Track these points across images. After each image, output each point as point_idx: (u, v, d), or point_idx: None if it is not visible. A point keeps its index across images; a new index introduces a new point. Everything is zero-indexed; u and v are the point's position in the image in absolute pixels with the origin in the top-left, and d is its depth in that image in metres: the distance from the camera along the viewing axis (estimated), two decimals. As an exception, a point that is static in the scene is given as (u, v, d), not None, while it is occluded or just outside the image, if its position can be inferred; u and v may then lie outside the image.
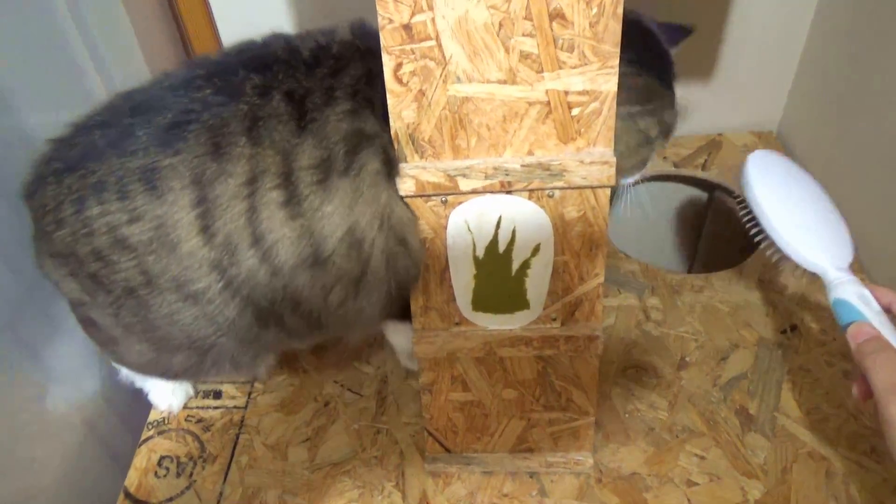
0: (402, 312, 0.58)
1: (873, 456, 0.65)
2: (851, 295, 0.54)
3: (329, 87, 0.51)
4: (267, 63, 0.52)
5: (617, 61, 0.46)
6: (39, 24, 0.69)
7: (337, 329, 0.60)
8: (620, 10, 0.44)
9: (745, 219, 0.62)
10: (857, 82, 0.84)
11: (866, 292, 0.54)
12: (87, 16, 0.74)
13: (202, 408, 0.73)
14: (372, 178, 0.51)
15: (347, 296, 0.54)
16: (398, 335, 0.70)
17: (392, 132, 0.49)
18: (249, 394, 0.75)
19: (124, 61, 0.81)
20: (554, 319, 0.57)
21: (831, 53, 0.91)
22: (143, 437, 0.71)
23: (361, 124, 0.51)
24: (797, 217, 0.59)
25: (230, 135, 0.50)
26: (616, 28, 0.44)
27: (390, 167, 0.51)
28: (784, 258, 0.60)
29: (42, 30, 0.69)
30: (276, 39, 0.55)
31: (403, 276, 0.55)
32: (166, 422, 0.72)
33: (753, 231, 0.61)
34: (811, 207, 0.61)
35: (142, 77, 0.60)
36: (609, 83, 0.46)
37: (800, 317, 0.78)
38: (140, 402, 0.74)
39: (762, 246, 0.61)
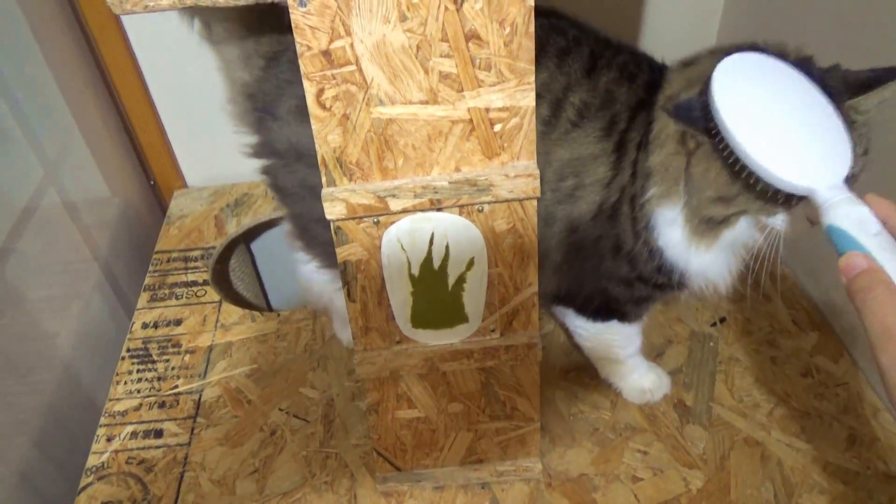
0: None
1: (802, 437, 0.68)
2: (843, 218, 0.45)
3: (610, 59, 0.60)
4: (584, 28, 0.61)
5: (533, 77, 0.47)
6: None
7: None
8: (532, 29, 0.46)
9: (721, 149, 0.51)
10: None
11: (863, 210, 0.45)
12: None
13: (143, 448, 0.71)
14: (598, 135, 0.58)
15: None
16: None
17: (319, 157, 0.49)
18: (192, 429, 0.73)
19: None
20: (493, 331, 0.59)
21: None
22: (81, 485, 0.68)
23: (616, 89, 0.59)
24: (777, 132, 0.49)
25: (545, 55, 0.58)
26: (529, 45, 0.46)
27: (610, 131, 0.58)
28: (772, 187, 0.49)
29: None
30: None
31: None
32: (106, 466, 0.70)
33: (731, 162, 0.51)
34: (797, 116, 0.50)
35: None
36: (526, 99, 0.48)
37: (727, 309, 0.82)
38: (77, 447, 0.71)
39: (749, 179, 0.50)
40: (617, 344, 0.70)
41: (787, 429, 0.69)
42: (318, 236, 0.64)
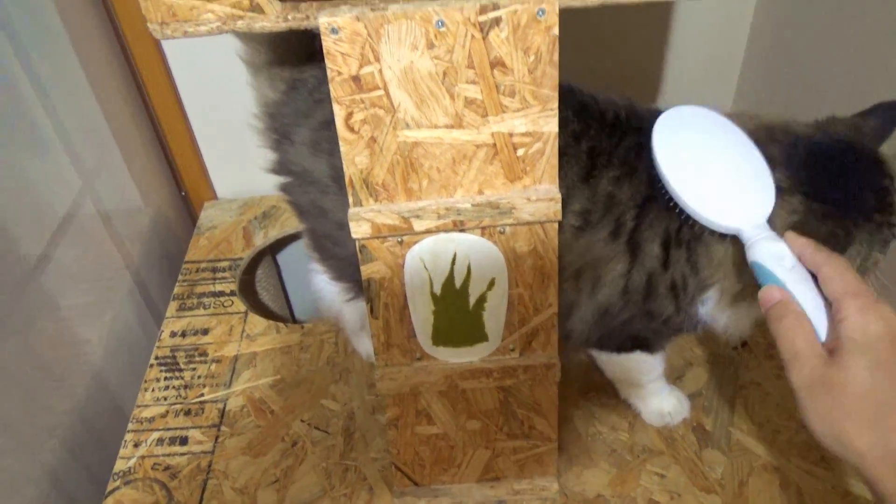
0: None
1: (822, 464, 0.68)
2: (764, 255, 0.50)
3: (611, 152, 0.57)
4: (587, 116, 0.58)
5: (556, 104, 0.48)
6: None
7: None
8: (556, 57, 0.47)
9: (662, 192, 0.55)
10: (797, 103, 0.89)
11: (781, 246, 0.50)
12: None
13: (168, 455, 0.73)
14: (606, 238, 0.58)
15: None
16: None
17: (346, 178, 0.51)
18: (216, 437, 0.75)
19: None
20: (512, 350, 0.59)
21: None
22: (108, 489, 0.70)
23: (618, 191, 0.57)
24: (707, 177, 0.54)
25: None
26: (553, 73, 0.47)
27: (618, 234, 0.57)
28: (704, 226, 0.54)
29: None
30: (592, 97, 0.60)
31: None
32: (132, 471, 0.72)
33: (670, 204, 0.55)
34: (726, 162, 0.55)
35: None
36: (549, 124, 0.49)
37: (749, 332, 0.81)
38: (105, 451, 0.73)
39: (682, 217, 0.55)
40: (640, 370, 0.70)
41: (806, 456, 0.69)
42: (329, 251, 0.66)
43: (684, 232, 0.57)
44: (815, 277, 0.48)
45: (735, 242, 0.55)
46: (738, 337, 0.64)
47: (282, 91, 0.63)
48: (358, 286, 0.63)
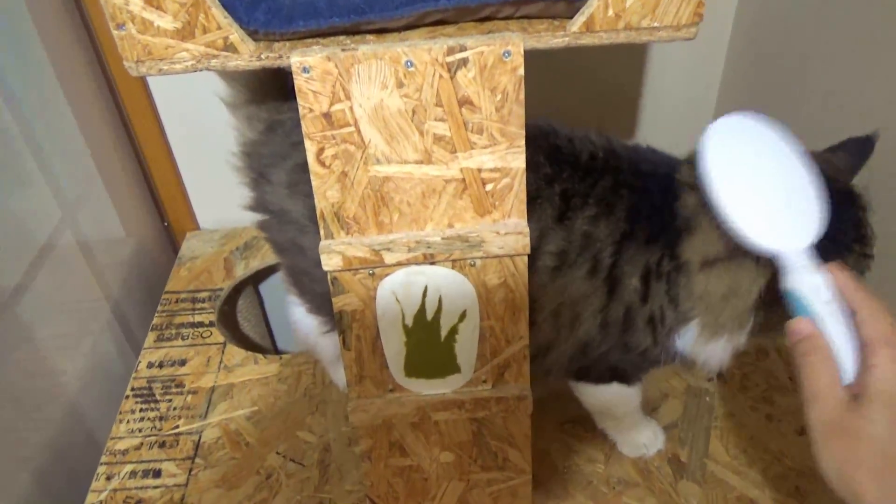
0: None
1: (797, 496, 0.68)
2: (800, 284, 0.48)
3: (586, 193, 0.58)
4: (560, 159, 0.59)
5: (523, 141, 0.49)
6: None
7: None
8: (522, 96, 0.48)
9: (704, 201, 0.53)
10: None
11: (819, 278, 0.48)
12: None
13: (141, 488, 0.72)
14: (584, 276, 0.58)
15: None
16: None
17: (318, 211, 0.52)
18: (190, 470, 0.74)
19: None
20: (484, 381, 0.60)
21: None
22: (78, 523, 0.70)
23: (594, 230, 0.58)
24: (755, 194, 0.52)
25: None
26: (520, 112, 0.48)
27: (595, 270, 0.58)
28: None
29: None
30: (567, 138, 0.61)
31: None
32: (103, 505, 0.71)
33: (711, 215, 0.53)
34: (776, 179, 0.52)
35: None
36: (517, 160, 0.50)
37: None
38: (77, 484, 0.72)
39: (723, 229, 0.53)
40: (616, 403, 0.71)
41: (780, 488, 0.69)
42: (306, 286, 0.67)
43: (664, 264, 0.58)
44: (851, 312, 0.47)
45: (716, 276, 0.55)
46: (716, 369, 0.65)
47: (259, 131, 0.64)
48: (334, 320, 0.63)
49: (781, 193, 0.52)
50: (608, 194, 0.58)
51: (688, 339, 0.60)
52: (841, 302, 0.47)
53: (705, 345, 0.60)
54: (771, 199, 0.52)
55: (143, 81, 0.95)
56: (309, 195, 0.58)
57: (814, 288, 0.48)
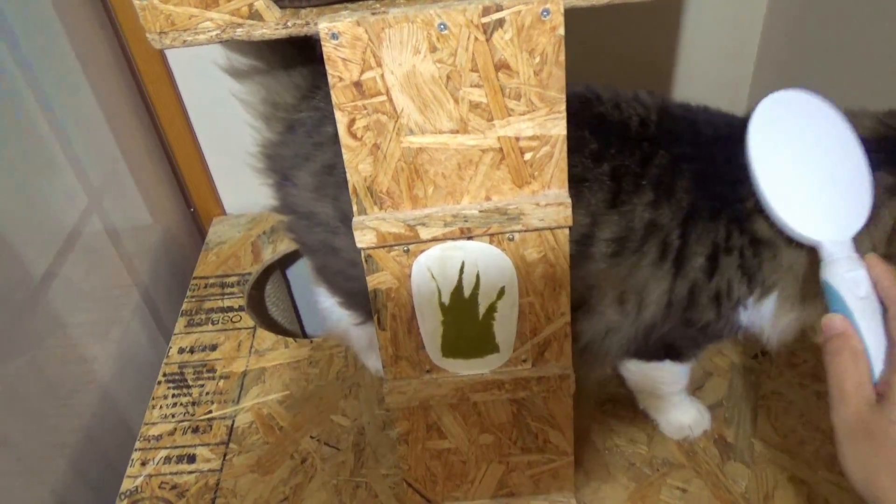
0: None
1: (851, 476, 0.65)
2: (837, 277, 0.47)
3: (640, 173, 0.54)
4: (606, 131, 0.55)
5: (563, 106, 0.47)
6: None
7: None
8: (563, 58, 0.45)
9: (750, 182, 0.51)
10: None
11: (858, 273, 0.46)
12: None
13: (175, 473, 0.72)
14: (651, 263, 0.55)
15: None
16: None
17: (350, 186, 0.50)
18: (224, 455, 0.73)
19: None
20: (524, 361, 0.58)
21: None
22: (115, 509, 0.69)
23: (656, 216, 0.54)
24: (799, 181, 0.49)
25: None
26: (560, 74, 0.46)
27: (664, 256, 0.55)
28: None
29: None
30: (614, 104, 0.57)
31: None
32: (139, 491, 0.71)
33: (754, 199, 0.51)
34: (823, 165, 0.50)
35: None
36: (557, 127, 0.48)
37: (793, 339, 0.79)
38: (112, 471, 0.72)
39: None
40: (665, 381, 0.68)
41: (834, 468, 0.66)
42: (340, 285, 0.64)
43: (734, 239, 0.54)
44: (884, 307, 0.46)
45: (807, 251, 0.52)
46: (777, 345, 0.62)
47: (279, 132, 0.61)
48: (368, 313, 0.59)
49: (828, 181, 0.50)
50: (666, 173, 0.54)
51: (765, 312, 0.57)
52: (875, 296, 0.46)
53: (781, 317, 0.57)
54: (815, 187, 0.50)
55: (166, 67, 0.94)
56: (337, 198, 0.56)
57: (851, 282, 0.46)
